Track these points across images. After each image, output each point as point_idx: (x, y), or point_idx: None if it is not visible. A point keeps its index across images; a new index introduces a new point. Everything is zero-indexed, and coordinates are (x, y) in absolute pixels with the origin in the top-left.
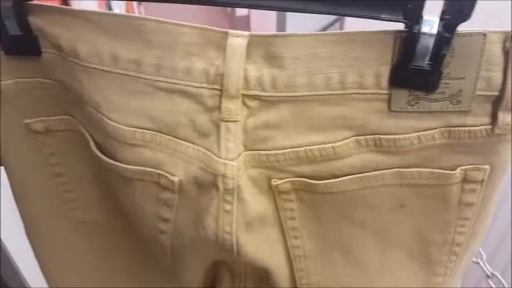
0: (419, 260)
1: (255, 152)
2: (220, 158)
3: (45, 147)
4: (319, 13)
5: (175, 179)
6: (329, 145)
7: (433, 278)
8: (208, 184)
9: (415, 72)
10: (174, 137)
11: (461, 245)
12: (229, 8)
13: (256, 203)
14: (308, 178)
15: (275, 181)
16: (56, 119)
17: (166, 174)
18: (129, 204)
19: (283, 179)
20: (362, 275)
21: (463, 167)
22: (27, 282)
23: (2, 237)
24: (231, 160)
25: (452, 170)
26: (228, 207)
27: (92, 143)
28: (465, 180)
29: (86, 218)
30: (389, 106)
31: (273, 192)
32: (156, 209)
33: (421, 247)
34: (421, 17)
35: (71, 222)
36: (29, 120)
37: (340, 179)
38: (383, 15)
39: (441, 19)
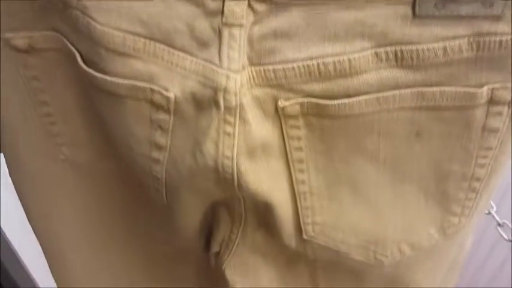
0: (434, 197)
1: (261, 67)
2: (221, 68)
3: (28, 70)
4: None
5: (171, 95)
6: (345, 57)
7: (449, 217)
8: (207, 101)
9: None
10: (169, 46)
11: (481, 180)
12: None
13: (261, 127)
14: (319, 98)
15: (282, 102)
16: (39, 36)
17: (161, 89)
18: (119, 132)
19: (290, 99)
20: (371, 213)
21: (489, 86)
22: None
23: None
24: (234, 72)
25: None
26: (229, 129)
27: (78, 57)
28: (491, 101)
29: (73, 157)
30: (414, 11)
31: (279, 117)
32: (149, 133)
33: (437, 182)
34: None
35: (58, 163)
36: (9, 35)
37: (354, 98)
38: None
39: None
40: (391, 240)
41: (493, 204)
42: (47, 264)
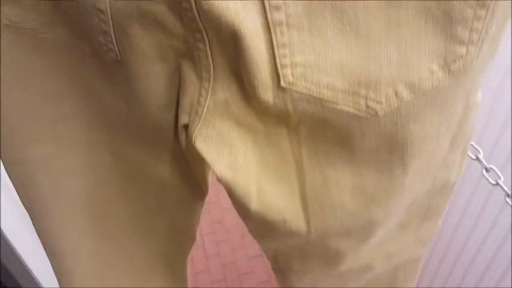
0: (436, 20)
1: None
2: None
3: None
4: None
5: None
6: None
7: (454, 46)
8: None
9: None
10: None
11: None
12: None
13: None
14: None
15: None
16: None
17: None
18: None
19: None
20: (361, 47)
21: None
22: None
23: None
24: None
25: None
26: None
27: None
28: None
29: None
30: None
31: None
32: None
33: None
34: None
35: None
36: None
37: None
38: None
39: None
40: (385, 80)
41: (479, 149)
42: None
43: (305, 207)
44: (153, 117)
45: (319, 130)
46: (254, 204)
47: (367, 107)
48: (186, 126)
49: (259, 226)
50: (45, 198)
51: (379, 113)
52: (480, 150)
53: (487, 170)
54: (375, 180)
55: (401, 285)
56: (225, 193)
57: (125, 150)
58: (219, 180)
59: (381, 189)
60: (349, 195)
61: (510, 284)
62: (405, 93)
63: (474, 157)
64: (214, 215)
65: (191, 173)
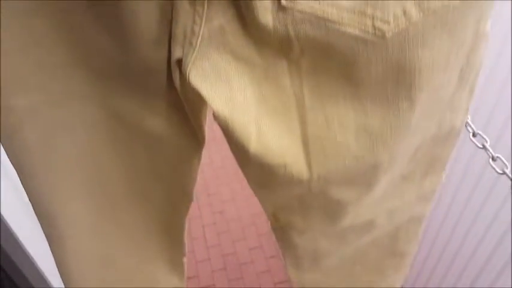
0: None
1: None
2: None
3: None
4: None
5: None
6: None
7: None
8: None
9: None
10: None
11: None
12: None
13: None
14: None
15: None
16: None
17: None
18: None
19: None
20: None
21: None
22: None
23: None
24: None
25: None
26: None
27: None
28: None
29: None
30: None
31: None
32: None
33: None
34: None
35: None
36: None
37: None
38: None
39: None
40: None
41: (487, 138)
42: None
43: (306, 150)
44: (145, 58)
45: (321, 61)
46: (253, 145)
47: (374, 27)
48: (180, 62)
49: (259, 173)
50: (33, 153)
51: (386, 34)
52: (487, 139)
53: (493, 159)
54: (380, 117)
55: (402, 247)
56: (225, 185)
57: (117, 105)
58: (216, 117)
59: (386, 127)
60: (352, 136)
61: (510, 277)
62: (414, 12)
63: (481, 146)
64: (215, 206)
65: (187, 123)
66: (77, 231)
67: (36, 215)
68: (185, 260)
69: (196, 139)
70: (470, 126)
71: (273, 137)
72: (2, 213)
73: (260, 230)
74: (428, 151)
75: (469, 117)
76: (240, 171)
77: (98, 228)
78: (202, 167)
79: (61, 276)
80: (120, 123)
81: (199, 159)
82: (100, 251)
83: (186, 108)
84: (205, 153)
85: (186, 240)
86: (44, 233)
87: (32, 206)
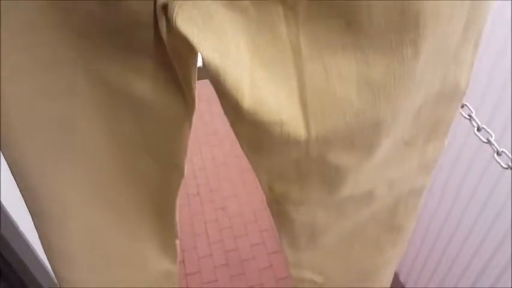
0: None
1: None
2: None
3: None
4: None
5: None
6: None
7: None
8: None
9: None
10: None
11: None
12: None
13: None
14: None
15: None
16: None
17: None
18: None
19: None
20: None
21: None
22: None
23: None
24: None
25: None
26: None
27: None
28: None
29: None
30: None
31: None
32: None
33: None
34: None
35: None
36: None
37: None
38: None
39: None
40: None
41: (491, 132)
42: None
43: (304, 105)
44: (129, 11)
45: (319, 6)
46: (247, 100)
47: None
48: (166, 7)
49: (253, 133)
50: (14, 121)
51: None
52: (492, 133)
53: (498, 154)
54: (384, 67)
55: (401, 221)
56: (227, 181)
57: (102, 68)
58: (207, 66)
59: (389, 78)
60: (354, 89)
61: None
62: None
63: (486, 140)
64: (217, 202)
65: (175, 84)
66: (61, 206)
67: (20, 188)
68: (178, 242)
69: (185, 102)
70: (475, 120)
71: (268, 91)
72: (2, 203)
73: (262, 226)
74: (432, 112)
75: (473, 111)
76: (242, 167)
77: (84, 204)
78: (204, 163)
79: (47, 257)
80: (106, 89)
81: (190, 126)
82: (87, 228)
83: (174, 65)
84: (207, 149)
85: (177, 220)
86: (28, 208)
87: (14, 178)
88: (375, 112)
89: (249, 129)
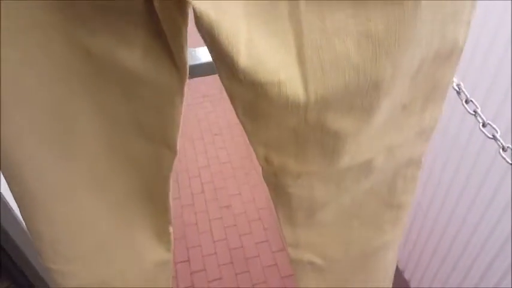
0: None
1: None
2: None
3: None
4: None
5: None
6: None
7: None
8: None
9: None
10: None
11: None
12: None
13: None
14: None
15: None
16: None
17: None
18: None
19: None
20: None
21: None
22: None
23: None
24: None
25: None
26: None
27: None
28: None
29: None
30: None
31: None
32: None
33: None
34: None
35: None
36: None
37: None
38: None
39: None
40: None
41: (497, 128)
42: None
43: (302, 63)
44: None
45: None
46: (243, 58)
47: None
48: None
49: (250, 96)
50: None
51: None
52: (497, 129)
53: (504, 149)
54: (384, 19)
55: (400, 197)
56: (232, 179)
57: (89, 39)
58: (201, 21)
59: (390, 31)
60: (353, 44)
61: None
62: None
63: (491, 136)
64: (222, 201)
65: (166, 53)
66: (47, 188)
67: (1, 168)
68: (171, 230)
69: (177, 70)
70: (480, 116)
71: (266, 48)
72: (3, 194)
73: (266, 224)
74: (430, 75)
75: (478, 107)
76: (246, 166)
77: (71, 186)
78: (209, 161)
79: (37, 249)
80: (91, 61)
81: (182, 99)
82: (76, 213)
83: (166, 32)
84: (211, 148)
85: (171, 205)
86: (12, 192)
87: None
88: (375, 68)
89: (246, 92)
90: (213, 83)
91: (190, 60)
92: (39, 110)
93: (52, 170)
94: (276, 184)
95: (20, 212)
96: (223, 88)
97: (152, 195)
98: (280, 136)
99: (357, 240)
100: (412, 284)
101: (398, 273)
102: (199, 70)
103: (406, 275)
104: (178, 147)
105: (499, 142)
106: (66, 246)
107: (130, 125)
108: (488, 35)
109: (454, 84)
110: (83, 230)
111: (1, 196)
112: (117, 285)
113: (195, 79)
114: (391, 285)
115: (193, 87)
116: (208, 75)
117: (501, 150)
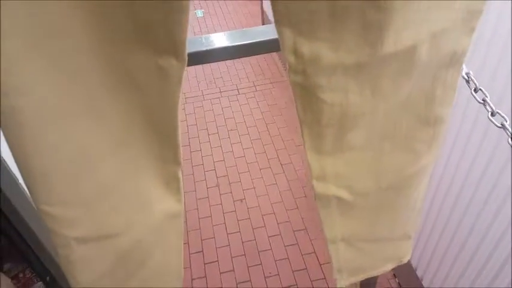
0: None
1: None
2: None
3: None
4: None
5: None
6: None
7: None
8: None
9: None
10: None
11: None
12: None
13: None
14: None
15: None
16: None
17: None
18: None
19: None
20: None
21: None
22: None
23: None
24: None
25: None
26: None
27: None
28: None
29: None
30: None
31: None
32: None
33: None
34: None
35: None
36: None
37: None
38: None
39: None
40: None
41: (506, 117)
42: None
43: None
44: None
45: None
46: None
47: None
48: None
49: None
50: None
51: None
52: (507, 118)
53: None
54: None
55: (437, 108)
56: (246, 174)
57: None
58: None
59: None
60: None
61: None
62: None
63: (500, 125)
64: (236, 194)
65: None
66: (35, 111)
67: None
68: (181, 175)
69: None
70: (489, 104)
71: None
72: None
73: (279, 218)
74: None
75: (488, 96)
76: (260, 161)
77: (63, 112)
78: (224, 156)
79: (27, 186)
80: None
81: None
82: (69, 144)
83: None
84: (226, 143)
85: (180, 143)
86: None
87: None
88: None
89: None
90: (229, 79)
91: (202, 47)
92: (37, 36)
93: (39, 87)
94: (305, 87)
95: (8, 144)
96: (239, 84)
97: (158, 126)
98: (314, 10)
99: (388, 168)
100: (424, 284)
101: (411, 271)
102: (213, 55)
103: (419, 273)
104: (185, 56)
105: (507, 131)
106: (62, 185)
107: (131, 32)
108: (493, 27)
109: (463, 73)
110: (78, 164)
111: (21, 187)
112: (125, 239)
113: (213, 71)
114: (419, 220)
115: (210, 82)
116: (221, 60)
117: (510, 140)
